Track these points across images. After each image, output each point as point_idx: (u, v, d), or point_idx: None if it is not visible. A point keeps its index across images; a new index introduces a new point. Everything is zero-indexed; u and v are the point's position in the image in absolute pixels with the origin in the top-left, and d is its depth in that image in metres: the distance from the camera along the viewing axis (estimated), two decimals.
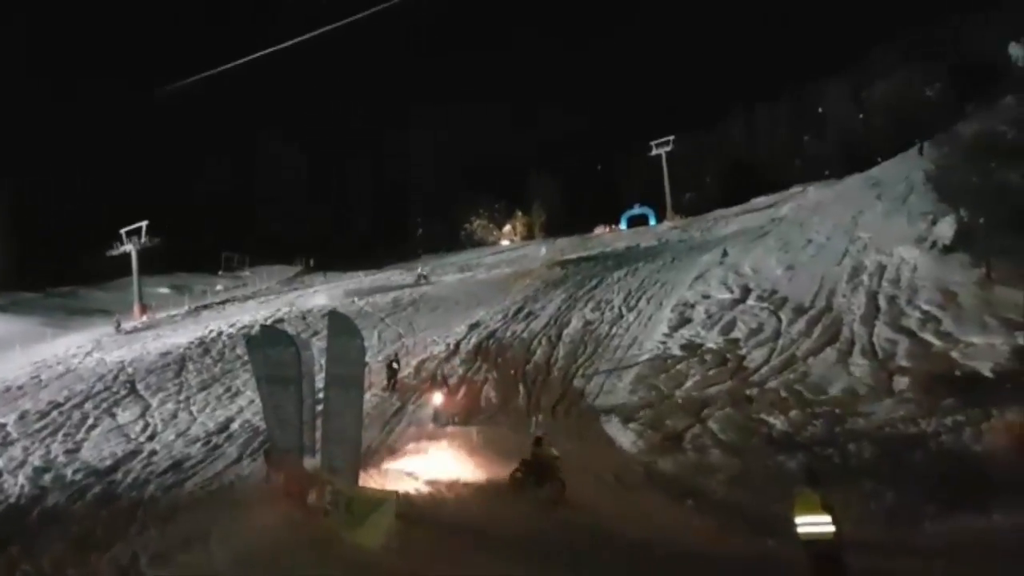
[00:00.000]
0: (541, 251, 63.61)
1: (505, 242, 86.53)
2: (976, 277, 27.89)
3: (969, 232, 30.07)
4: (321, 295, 52.55)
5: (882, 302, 28.33)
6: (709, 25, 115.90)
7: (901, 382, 21.34)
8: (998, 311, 24.87)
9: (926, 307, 26.79)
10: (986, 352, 22.21)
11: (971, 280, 27.80)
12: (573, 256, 54.46)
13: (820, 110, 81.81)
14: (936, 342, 23.97)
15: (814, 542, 9.79)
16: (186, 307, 56.38)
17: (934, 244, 31.78)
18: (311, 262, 77.29)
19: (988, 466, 15.34)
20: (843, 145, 76.38)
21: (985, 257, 28.26)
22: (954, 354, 22.74)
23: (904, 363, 22.72)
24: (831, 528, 9.73)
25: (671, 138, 77.95)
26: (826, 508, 9.83)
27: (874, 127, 74.92)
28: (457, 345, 32.58)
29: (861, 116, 78.08)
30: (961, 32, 70.44)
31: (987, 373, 20.91)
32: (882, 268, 31.66)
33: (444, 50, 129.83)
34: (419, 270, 58.06)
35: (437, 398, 23.60)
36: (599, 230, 73.96)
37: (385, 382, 27.51)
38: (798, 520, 9.92)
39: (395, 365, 28.46)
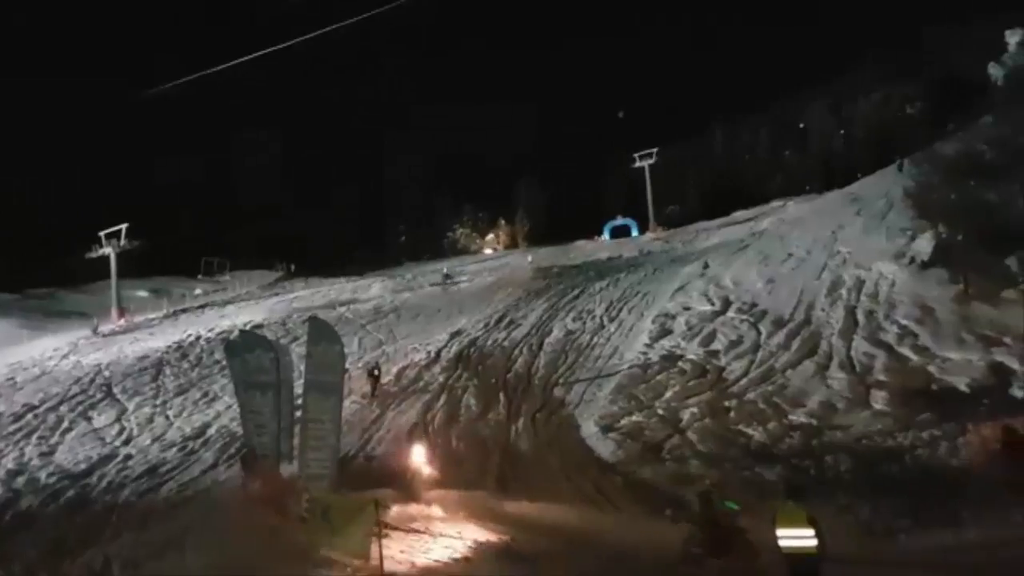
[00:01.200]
0: (525, 260, 63.66)
1: (488, 251, 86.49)
2: (954, 293, 28.21)
3: (947, 249, 30.43)
4: (375, 287, 54.27)
5: (860, 316, 28.57)
6: (693, 38, 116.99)
7: (878, 396, 21.51)
8: (975, 327, 25.17)
9: (904, 322, 27.04)
10: (963, 367, 22.46)
11: (949, 296, 28.11)
12: (556, 266, 54.52)
13: (802, 125, 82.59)
14: (913, 357, 24.21)
15: (795, 556, 9.80)
16: (164, 311, 55.87)
17: (912, 260, 32.11)
18: (292, 267, 76.83)
19: (963, 481, 15.48)
20: (824, 160, 77.16)
21: (963, 273, 28.60)
22: (931, 369, 22.98)
23: (881, 377, 22.92)
24: (814, 542, 9.74)
25: (654, 150, 78.34)
26: (810, 522, 9.85)
27: (854, 143, 75.78)
28: (438, 353, 32.52)
29: (842, 132, 78.91)
30: (941, 51, 71.44)
31: (963, 388, 21.15)
32: (861, 283, 31.94)
33: (428, 58, 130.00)
34: (444, 270, 58.81)
35: (417, 455, 17.87)
36: (581, 243, 74.06)
37: (367, 389, 27.46)
38: (780, 533, 9.93)
39: (376, 372, 28.45)
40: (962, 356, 23.27)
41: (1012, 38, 44.48)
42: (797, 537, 9.81)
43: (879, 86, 76.71)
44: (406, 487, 16.52)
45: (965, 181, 30.02)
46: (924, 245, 32.10)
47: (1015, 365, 21.78)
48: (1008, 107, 34.90)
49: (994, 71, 44.07)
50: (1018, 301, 26.54)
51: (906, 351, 24.71)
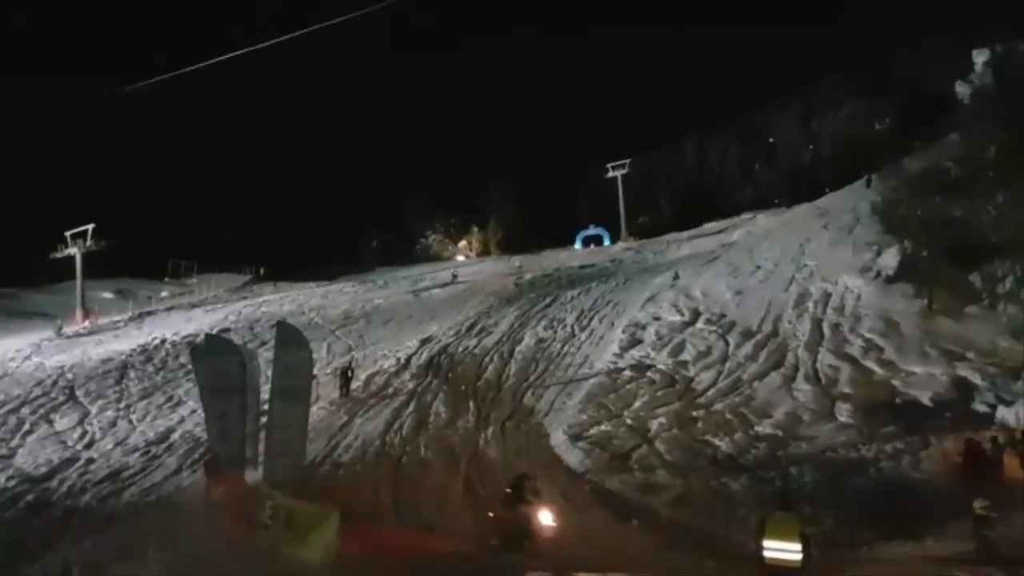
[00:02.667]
0: (497, 267, 63.65)
1: (460, 257, 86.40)
2: (918, 308, 28.67)
3: (912, 263, 30.95)
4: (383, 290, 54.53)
5: (826, 329, 28.92)
6: (665, 51, 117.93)
7: (843, 408, 21.79)
8: (939, 342, 25.61)
9: (869, 335, 27.43)
10: (926, 381, 22.83)
11: (913, 310, 28.56)
12: (527, 274, 54.57)
13: (771, 139, 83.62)
14: (878, 370, 24.55)
15: (776, 567, 9.77)
16: (130, 313, 55.06)
17: (878, 274, 32.58)
18: (261, 271, 76.08)
19: (925, 493, 15.71)
20: (792, 174, 78.12)
21: (928, 288, 29.10)
22: (895, 382, 23.33)
23: (846, 389, 23.23)
24: (799, 557, 9.74)
25: (627, 161, 78.92)
26: (801, 537, 9.87)
27: (822, 158, 76.84)
28: (408, 360, 32.38)
29: (810, 147, 79.97)
30: (909, 69, 72.77)
31: (926, 402, 21.49)
32: (827, 296, 32.33)
33: (403, 63, 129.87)
34: (451, 270, 60.41)
35: (544, 518, 13.14)
36: (553, 251, 74.17)
37: (335, 395, 27.38)
38: (767, 544, 9.91)
39: (350, 373, 28.62)
40: (926, 370, 23.66)
41: (979, 57, 45.38)
42: (783, 550, 9.80)
43: (847, 102, 77.93)
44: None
45: (931, 197, 30.63)
46: (890, 260, 32.59)
47: (977, 380, 22.20)
48: (974, 125, 35.67)
49: (961, 89, 44.96)
50: (981, 316, 27.09)
51: (871, 364, 25.06)
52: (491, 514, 12.58)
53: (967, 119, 38.90)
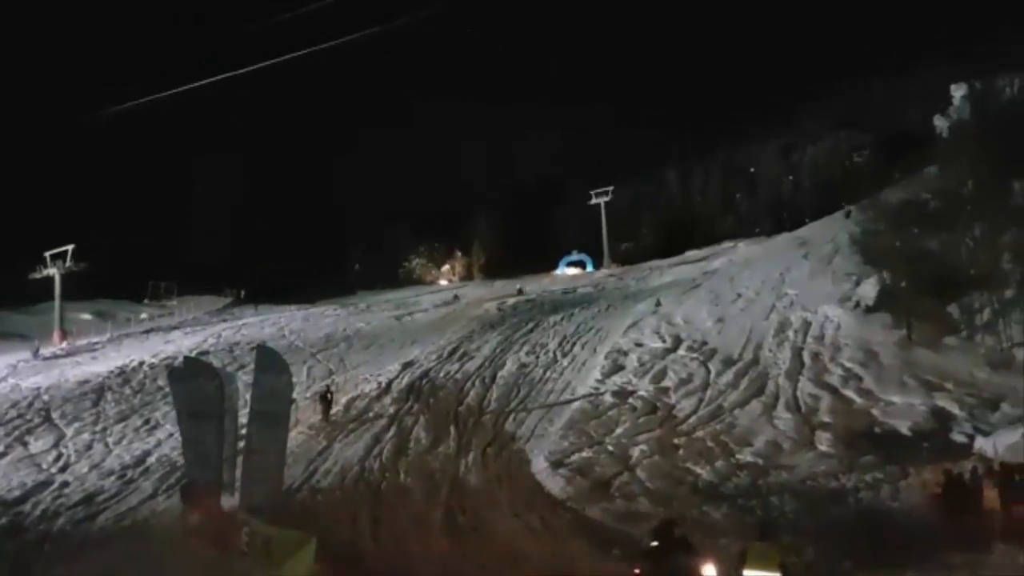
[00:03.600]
0: (479, 292, 63.67)
1: (443, 282, 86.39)
2: (897, 338, 28.93)
3: (891, 294, 31.26)
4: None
5: (806, 358, 29.09)
6: (650, 79, 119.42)
7: (823, 437, 21.87)
8: (917, 372, 25.83)
9: (848, 365, 27.61)
10: (905, 411, 22.99)
11: (892, 341, 28.81)
12: (511, 299, 54.57)
13: (752, 170, 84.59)
14: (857, 399, 24.70)
15: None
16: (108, 335, 54.48)
17: (857, 304, 32.87)
18: (242, 293, 75.65)
19: (904, 524, 15.73)
20: (773, 205, 79.09)
21: (906, 319, 29.38)
22: (874, 412, 23.47)
23: (826, 418, 23.32)
24: None
25: (610, 188, 79.56)
26: (781, 567, 9.85)
27: (803, 189, 77.83)
28: (389, 384, 32.19)
29: (791, 178, 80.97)
30: (888, 102, 74.03)
31: (905, 431, 21.62)
32: (807, 325, 32.56)
33: (386, 88, 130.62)
34: (517, 285, 62.10)
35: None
36: (537, 276, 74.34)
37: (315, 420, 27.18)
38: (747, 573, 9.90)
39: (329, 396, 28.53)
40: (904, 400, 23.84)
41: (957, 91, 46.20)
42: None
43: (827, 135, 79.11)
44: None
45: (910, 229, 31.02)
46: (869, 290, 32.92)
47: (956, 410, 22.39)
48: (952, 158, 36.23)
49: (939, 123, 45.72)
50: (960, 348, 27.36)
51: (850, 393, 25.21)
52: (636, 571, 10.56)
53: (945, 152, 39.50)
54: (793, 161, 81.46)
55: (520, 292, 58.63)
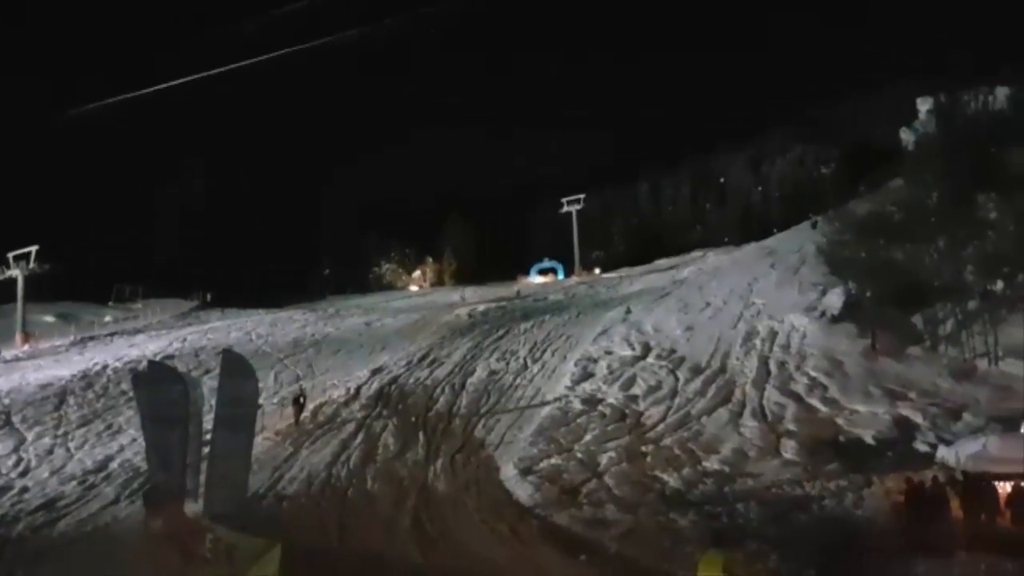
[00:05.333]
0: (451, 298, 63.59)
1: (414, 288, 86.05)
2: (862, 347, 29.34)
3: (856, 304, 31.75)
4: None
5: (773, 366, 29.39)
6: (621, 90, 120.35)
7: (788, 445, 22.07)
8: (881, 381, 26.21)
9: (814, 373, 27.94)
10: (869, 420, 23.30)
11: (857, 350, 29.22)
12: (481, 305, 54.52)
13: (722, 180, 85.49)
14: (822, 408, 24.99)
15: None
16: (72, 338, 53.51)
17: (823, 314, 33.31)
18: (208, 297, 74.67)
19: (867, 531, 15.91)
20: (742, 215, 79.99)
21: (871, 329, 29.82)
22: (839, 420, 23.75)
23: (791, 427, 23.56)
24: None
25: (581, 196, 79.93)
26: (725, 570, 9.91)
27: (771, 200, 78.82)
28: (358, 390, 31.97)
29: (759, 188, 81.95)
30: (855, 115, 75.28)
31: (869, 440, 21.90)
32: (774, 334, 32.90)
33: (358, 93, 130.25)
34: (516, 288, 64.52)
35: None
36: (508, 283, 74.40)
37: (280, 426, 26.92)
38: None
39: (302, 400, 28.35)
40: (868, 409, 24.17)
41: (923, 105, 47.20)
42: None
43: (795, 147, 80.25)
44: None
45: (875, 240, 31.55)
46: (834, 300, 33.39)
47: (919, 419, 22.73)
48: (917, 171, 36.95)
49: (905, 136, 46.67)
50: (923, 358, 27.83)
51: (815, 402, 25.50)
52: None
53: (911, 165, 40.30)
54: (762, 172, 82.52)
55: (518, 292, 61.08)
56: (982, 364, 26.36)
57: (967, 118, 44.58)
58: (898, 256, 30.88)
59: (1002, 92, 50.19)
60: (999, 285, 28.12)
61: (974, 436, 19.28)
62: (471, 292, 67.97)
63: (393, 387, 32.31)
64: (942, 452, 18.67)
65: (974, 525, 14.85)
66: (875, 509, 17.12)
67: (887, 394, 25.12)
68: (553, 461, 22.14)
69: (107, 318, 63.85)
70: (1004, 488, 15.66)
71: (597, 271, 75.60)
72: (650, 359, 32.72)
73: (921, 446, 20.91)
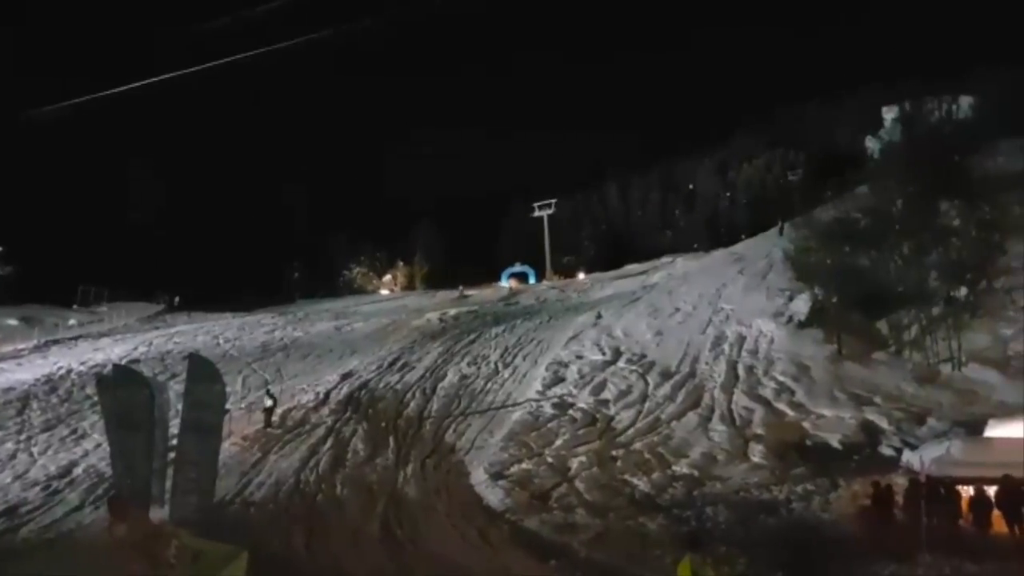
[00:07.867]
0: (422, 302, 63.36)
1: (385, 291, 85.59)
2: (828, 352, 29.73)
3: (823, 310, 32.16)
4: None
5: (741, 371, 29.68)
6: (591, 95, 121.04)
7: (756, 449, 22.31)
8: (847, 386, 26.58)
9: (781, 378, 28.26)
10: (835, 424, 23.62)
11: (823, 355, 29.60)
12: (453, 310, 54.40)
13: (691, 186, 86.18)
14: (789, 412, 25.28)
15: None
16: (35, 341, 52.52)
17: (790, 319, 33.69)
18: (175, 300, 73.63)
19: (834, 534, 16.10)
20: (710, 220, 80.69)
21: (837, 334, 30.22)
22: (806, 424, 24.04)
23: (759, 431, 23.81)
24: None
25: (553, 201, 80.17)
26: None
27: (739, 206, 79.64)
28: (327, 394, 31.74)
29: (728, 195, 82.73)
30: (821, 123, 76.36)
31: (836, 444, 22.20)
32: (742, 339, 33.22)
33: (330, 94, 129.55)
34: (460, 289, 67.03)
35: None
36: (479, 287, 74.25)
37: (248, 431, 26.65)
38: None
39: (273, 403, 28.27)
40: (835, 413, 24.50)
41: (888, 114, 47.98)
42: None
43: (763, 153, 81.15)
44: None
45: (841, 247, 31.98)
46: (801, 306, 33.79)
47: (884, 424, 23.09)
48: (882, 178, 37.51)
49: (871, 144, 47.44)
50: (888, 363, 28.26)
51: (783, 406, 25.79)
52: None
53: (876, 172, 40.92)
54: (729, 179, 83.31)
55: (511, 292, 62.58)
56: (946, 369, 26.82)
57: (931, 126, 45.39)
58: (863, 262, 31.33)
59: (966, 101, 51.33)
60: (962, 291, 28.64)
61: (938, 440, 19.63)
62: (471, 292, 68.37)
63: (363, 392, 32.14)
64: (907, 456, 18.99)
65: (937, 528, 15.07)
66: (842, 512, 17.35)
67: (853, 399, 25.48)
68: (524, 466, 22.15)
69: (71, 321, 62.71)
70: (967, 491, 15.96)
71: (581, 276, 74.39)
72: (620, 364, 32.88)
73: (886, 450, 21.27)
